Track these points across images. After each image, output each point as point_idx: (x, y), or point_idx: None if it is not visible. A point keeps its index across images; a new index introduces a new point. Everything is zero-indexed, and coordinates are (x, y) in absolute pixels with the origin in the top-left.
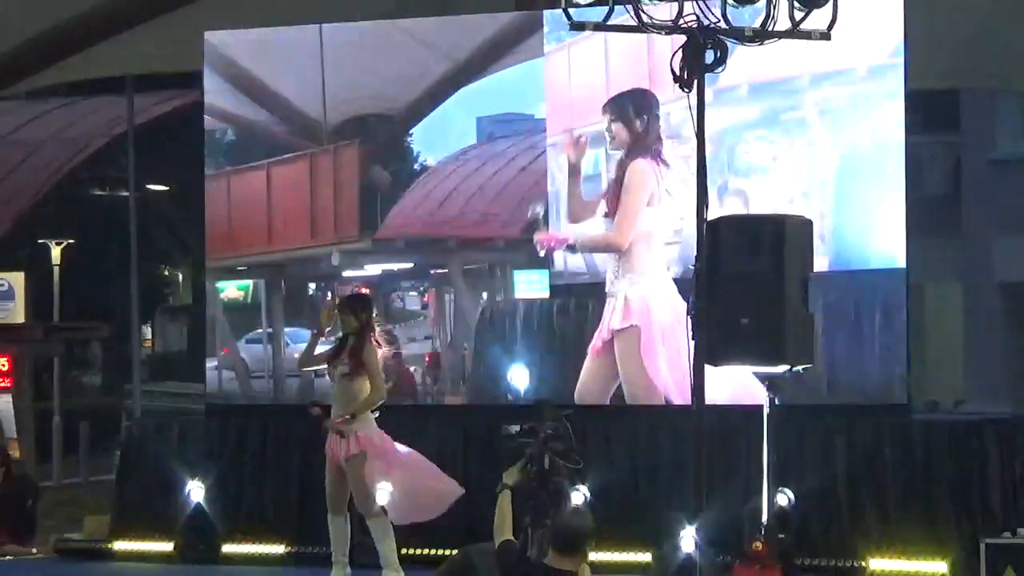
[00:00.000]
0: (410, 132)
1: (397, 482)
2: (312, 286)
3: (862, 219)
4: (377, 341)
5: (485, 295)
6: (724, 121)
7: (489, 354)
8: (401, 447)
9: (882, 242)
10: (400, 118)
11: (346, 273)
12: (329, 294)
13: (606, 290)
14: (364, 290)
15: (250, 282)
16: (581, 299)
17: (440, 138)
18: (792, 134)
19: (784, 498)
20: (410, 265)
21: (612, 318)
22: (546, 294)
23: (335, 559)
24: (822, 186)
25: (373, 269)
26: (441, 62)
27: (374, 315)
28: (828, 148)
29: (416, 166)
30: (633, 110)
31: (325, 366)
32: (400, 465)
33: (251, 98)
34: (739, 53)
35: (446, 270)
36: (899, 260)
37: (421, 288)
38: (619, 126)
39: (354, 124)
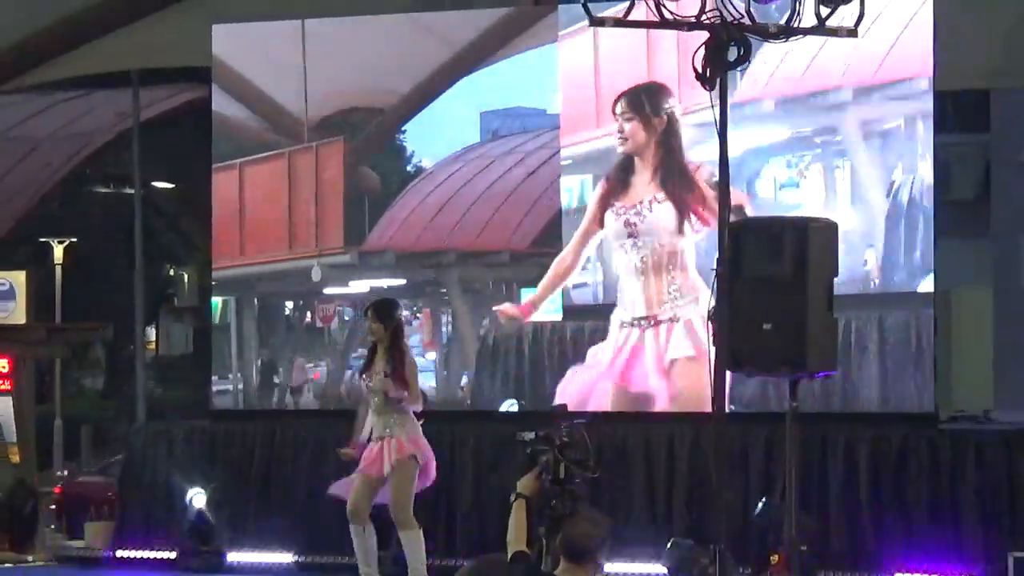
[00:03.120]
0: (403, 128)
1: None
2: (289, 305)
3: (913, 251)
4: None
5: (487, 318)
6: (742, 144)
7: (491, 387)
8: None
9: (920, 260)
10: (391, 112)
11: (328, 290)
12: (309, 314)
13: (646, 314)
14: (348, 308)
15: (219, 300)
16: (600, 323)
17: (437, 135)
18: (829, 159)
19: (774, 507)
20: (402, 282)
21: (669, 346)
22: (559, 316)
23: (362, 572)
24: (868, 224)
25: (359, 286)
26: (439, 48)
27: (403, 320)
28: (875, 176)
29: (409, 167)
30: (650, 106)
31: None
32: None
33: (223, 89)
34: (763, 61)
35: (443, 288)
36: (927, 268)
37: (414, 308)
38: (635, 125)
39: (339, 119)
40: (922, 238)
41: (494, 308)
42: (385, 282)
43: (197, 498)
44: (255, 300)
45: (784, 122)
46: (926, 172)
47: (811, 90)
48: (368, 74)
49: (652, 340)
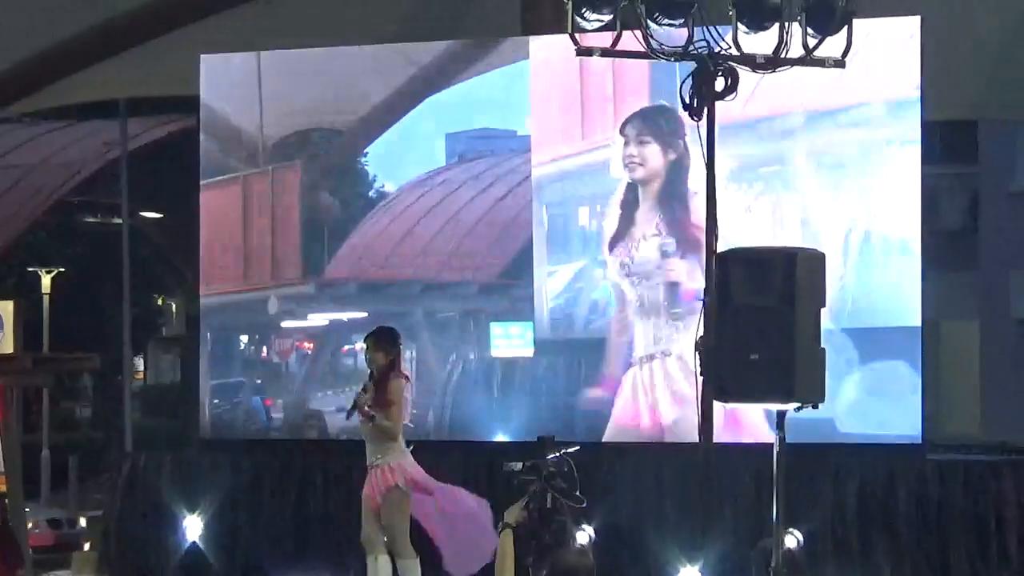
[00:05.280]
0: (364, 151)
1: (454, 523)
2: (244, 339)
3: (876, 284)
4: (406, 375)
5: (455, 352)
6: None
7: (458, 425)
8: (440, 485)
9: (899, 294)
10: (352, 134)
11: (285, 323)
12: (265, 348)
13: (645, 353)
14: (306, 344)
15: None
16: (574, 358)
17: (401, 159)
18: (776, 190)
19: (793, 539)
20: (364, 314)
21: (665, 383)
22: (530, 351)
23: None
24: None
25: (318, 319)
26: (402, 67)
27: (402, 349)
28: (828, 207)
29: (371, 193)
30: (669, 129)
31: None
32: (451, 502)
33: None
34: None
35: (407, 321)
36: (915, 302)
37: None
38: (654, 149)
39: (296, 141)
40: (889, 261)
41: None
42: (346, 315)
43: (192, 528)
44: (208, 334)
45: (730, 149)
46: (881, 204)
47: (758, 115)
48: (327, 94)
49: (650, 377)
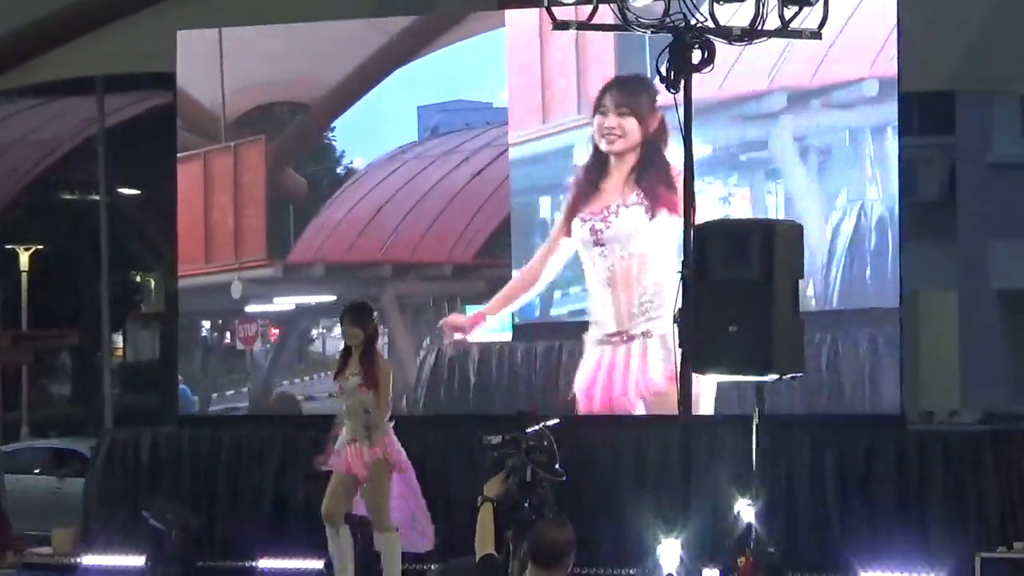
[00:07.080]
0: (332, 125)
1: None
2: (206, 325)
3: (859, 261)
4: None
5: (429, 337)
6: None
7: (433, 411)
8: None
9: (879, 269)
10: (318, 107)
11: (250, 308)
12: (228, 335)
13: (617, 330)
14: (272, 329)
15: None
16: (554, 343)
17: (370, 133)
18: (759, 181)
19: (747, 509)
20: (332, 298)
21: (648, 366)
22: (508, 336)
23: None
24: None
25: (284, 302)
26: (371, 35)
27: (377, 324)
28: (817, 201)
29: (339, 169)
30: (648, 101)
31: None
32: (408, 486)
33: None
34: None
35: (378, 305)
36: (894, 275)
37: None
38: (632, 122)
39: (259, 115)
40: (880, 254)
41: (440, 323)
42: (314, 298)
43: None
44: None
45: (705, 134)
46: (875, 193)
47: (738, 93)
48: (291, 64)
49: (624, 359)
